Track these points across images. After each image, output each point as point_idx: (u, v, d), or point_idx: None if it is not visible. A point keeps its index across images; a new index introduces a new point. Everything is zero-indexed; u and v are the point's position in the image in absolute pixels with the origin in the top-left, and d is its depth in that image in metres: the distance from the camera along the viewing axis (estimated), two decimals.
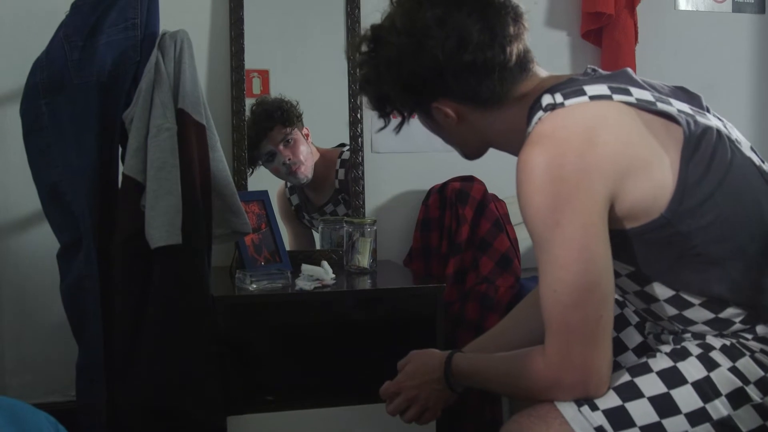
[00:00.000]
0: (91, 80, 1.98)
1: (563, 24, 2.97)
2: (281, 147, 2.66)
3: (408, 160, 2.80)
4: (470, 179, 2.67)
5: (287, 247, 2.62)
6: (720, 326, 1.38)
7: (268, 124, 2.65)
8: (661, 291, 1.39)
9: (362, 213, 2.71)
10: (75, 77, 1.99)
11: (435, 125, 1.53)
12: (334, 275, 2.33)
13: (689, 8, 3.14)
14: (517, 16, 1.43)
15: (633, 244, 1.35)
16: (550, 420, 1.33)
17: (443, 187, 2.70)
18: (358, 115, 2.70)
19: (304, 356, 2.42)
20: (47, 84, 2.01)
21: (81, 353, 2.07)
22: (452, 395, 1.62)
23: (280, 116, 2.66)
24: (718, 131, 1.38)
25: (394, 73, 1.44)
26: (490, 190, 2.67)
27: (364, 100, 1.56)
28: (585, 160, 1.28)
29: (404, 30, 1.42)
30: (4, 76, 2.46)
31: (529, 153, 1.31)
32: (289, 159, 2.66)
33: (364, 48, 1.49)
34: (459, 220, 2.61)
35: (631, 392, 1.33)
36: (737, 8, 3.19)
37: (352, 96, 2.70)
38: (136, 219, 1.97)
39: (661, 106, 1.37)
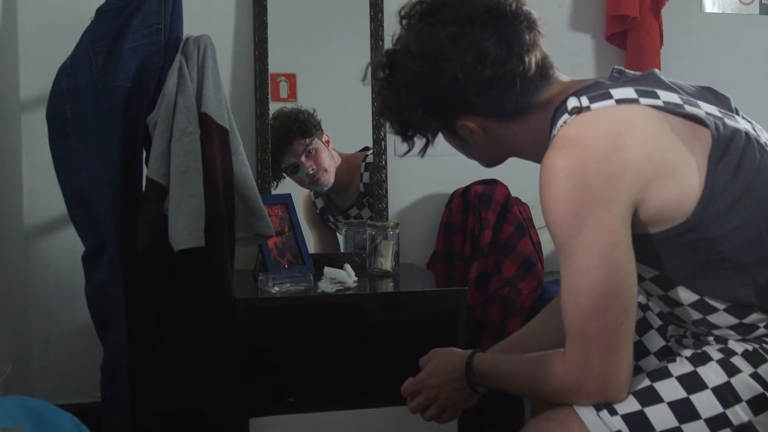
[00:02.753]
0: (115, 85, 2.01)
1: (588, 27, 2.96)
2: (303, 158, 2.68)
3: (431, 164, 2.75)
4: (493, 182, 2.67)
5: (312, 251, 2.64)
6: (744, 331, 1.36)
7: (288, 137, 2.67)
8: (686, 295, 1.37)
9: (385, 216, 2.72)
10: (99, 82, 2.01)
11: (460, 141, 1.51)
12: (356, 278, 2.34)
13: (715, 10, 3.12)
14: (531, 24, 1.41)
15: (658, 249, 1.33)
16: (569, 424, 1.33)
17: (466, 190, 2.70)
18: (381, 119, 2.71)
19: (326, 358, 2.43)
20: (72, 89, 2.04)
21: (105, 355, 2.09)
22: (473, 395, 1.61)
23: (299, 128, 2.67)
24: (747, 134, 1.36)
25: (415, 98, 1.43)
26: (514, 194, 2.66)
27: (387, 124, 1.55)
28: (610, 166, 1.27)
29: (419, 53, 1.40)
30: (30, 81, 2.50)
31: (554, 157, 1.29)
32: (313, 169, 2.68)
33: (380, 74, 1.48)
34: (482, 223, 2.60)
35: (650, 397, 1.32)
36: (764, 10, 3.16)
37: (376, 100, 2.70)
38: (159, 222, 1.98)
39: (688, 108, 1.35)
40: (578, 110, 1.33)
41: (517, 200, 2.67)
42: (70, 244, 2.29)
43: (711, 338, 1.41)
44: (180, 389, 2.02)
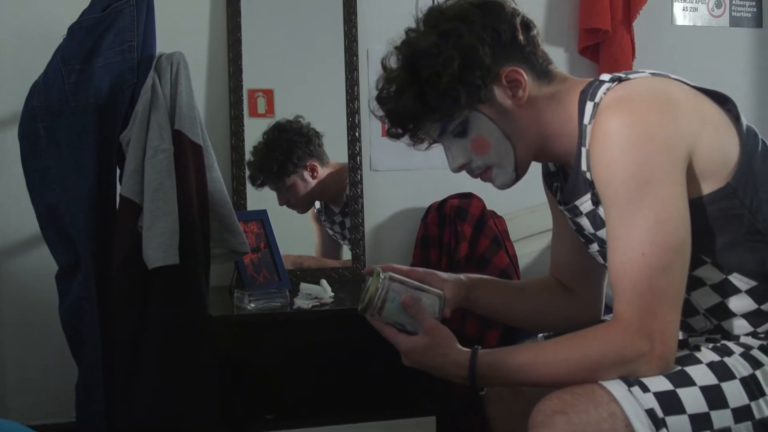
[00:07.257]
0: (88, 103, 2.00)
1: (560, 40, 2.98)
2: (276, 192, 2.70)
3: (406, 178, 2.81)
4: (469, 196, 2.67)
5: (314, 247, 2.70)
6: (756, 322, 1.39)
7: (259, 176, 2.67)
8: (711, 275, 1.39)
9: (362, 231, 2.72)
10: (72, 100, 2.00)
11: (498, 114, 1.48)
12: (332, 293, 2.33)
13: (686, 23, 3.15)
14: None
15: (705, 214, 1.36)
16: (598, 398, 1.29)
17: (442, 204, 2.70)
18: (356, 134, 2.71)
19: (303, 374, 2.42)
20: (45, 107, 2.03)
21: (80, 374, 2.08)
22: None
23: (273, 169, 2.68)
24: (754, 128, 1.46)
25: (477, 27, 1.45)
26: (489, 207, 2.67)
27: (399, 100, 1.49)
28: (668, 117, 1.32)
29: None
30: (3, 100, 2.48)
31: (610, 116, 1.34)
32: (282, 204, 2.70)
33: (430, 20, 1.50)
34: (458, 237, 2.61)
35: (682, 379, 1.31)
36: (735, 22, 3.20)
37: (350, 115, 2.71)
38: (133, 240, 1.97)
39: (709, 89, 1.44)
40: (619, 79, 1.41)
41: (493, 213, 2.68)
42: (44, 263, 2.27)
43: (718, 335, 1.42)
44: (157, 407, 2.00)
